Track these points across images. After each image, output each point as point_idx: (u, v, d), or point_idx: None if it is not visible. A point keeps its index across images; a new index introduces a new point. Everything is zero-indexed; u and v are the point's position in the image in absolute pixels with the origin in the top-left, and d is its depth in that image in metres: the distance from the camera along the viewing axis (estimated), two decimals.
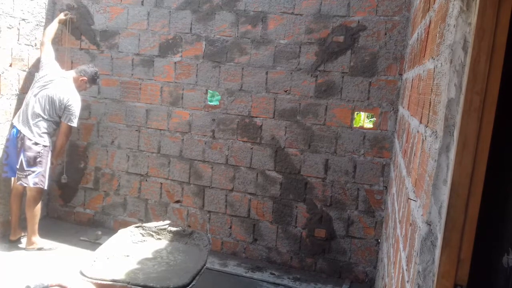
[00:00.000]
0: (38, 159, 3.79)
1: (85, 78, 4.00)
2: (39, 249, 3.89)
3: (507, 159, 1.15)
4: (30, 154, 3.76)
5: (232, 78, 4.07)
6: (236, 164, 4.13)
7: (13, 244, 3.97)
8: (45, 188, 3.89)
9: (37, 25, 4.27)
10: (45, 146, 3.83)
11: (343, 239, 3.90)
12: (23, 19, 4.09)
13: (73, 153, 4.58)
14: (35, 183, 3.79)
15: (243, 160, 4.11)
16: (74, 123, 3.93)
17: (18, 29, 4.04)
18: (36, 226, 3.90)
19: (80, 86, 4.03)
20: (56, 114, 3.87)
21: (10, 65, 3.99)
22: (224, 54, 4.07)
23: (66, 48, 4.46)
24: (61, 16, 4.29)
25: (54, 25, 4.21)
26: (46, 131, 3.85)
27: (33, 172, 3.77)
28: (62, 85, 3.90)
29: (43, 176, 3.83)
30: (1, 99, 3.94)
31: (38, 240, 3.92)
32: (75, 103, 3.91)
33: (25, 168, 3.76)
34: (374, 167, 3.77)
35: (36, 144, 3.78)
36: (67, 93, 3.88)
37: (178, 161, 4.30)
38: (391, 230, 2.60)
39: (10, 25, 3.94)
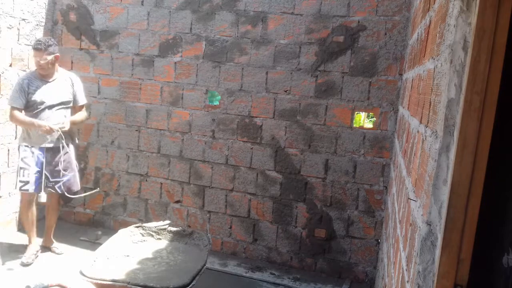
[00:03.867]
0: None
1: None
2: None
3: (507, 159, 1.15)
4: None
5: (232, 78, 4.07)
6: (236, 164, 4.13)
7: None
8: (16, 188, 3.68)
9: (37, 25, 4.27)
10: (19, 149, 3.69)
11: (343, 239, 3.90)
12: (23, 19, 4.09)
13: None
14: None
15: (243, 160, 4.11)
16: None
17: (18, 29, 4.04)
18: (31, 229, 3.79)
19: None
20: None
21: (10, 65, 3.99)
22: (224, 54, 4.07)
23: (66, 48, 4.46)
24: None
25: None
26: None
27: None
28: None
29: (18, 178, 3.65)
30: (1, 99, 3.94)
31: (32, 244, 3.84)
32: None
33: None
34: (374, 167, 3.77)
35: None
36: None
37: (178, 161, 4.30)
38: (391, 230, 2.60)
39: (10, 25, 3.94)
